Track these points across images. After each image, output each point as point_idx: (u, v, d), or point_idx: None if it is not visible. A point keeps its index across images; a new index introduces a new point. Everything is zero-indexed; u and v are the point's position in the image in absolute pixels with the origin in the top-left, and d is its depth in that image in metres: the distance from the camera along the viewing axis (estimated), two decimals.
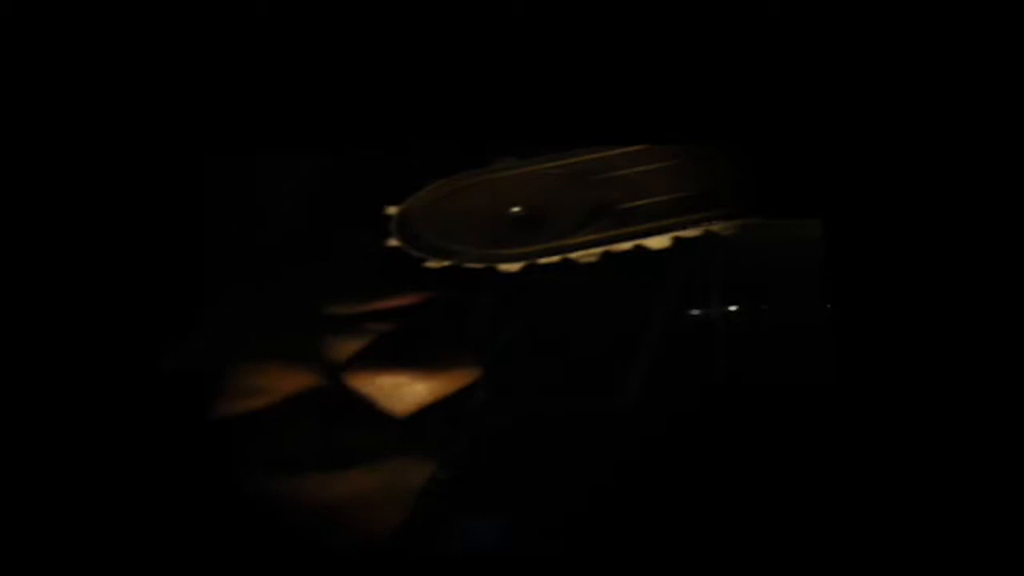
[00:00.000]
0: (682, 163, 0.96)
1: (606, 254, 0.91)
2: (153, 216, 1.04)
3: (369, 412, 0.88)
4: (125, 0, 1.02)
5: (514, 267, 0.90)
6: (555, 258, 0.91)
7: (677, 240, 0.92)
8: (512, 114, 1.04)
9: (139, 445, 0.97)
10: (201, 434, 0.97)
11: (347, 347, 0.90)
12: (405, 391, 0.89)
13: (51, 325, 1.01)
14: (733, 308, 0.97)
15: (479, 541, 0.93)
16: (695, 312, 0.97)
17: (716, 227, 0.93)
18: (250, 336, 0.97)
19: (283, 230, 0.98)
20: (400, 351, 0.91)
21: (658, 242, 0.93)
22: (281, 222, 0.99)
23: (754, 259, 0.94)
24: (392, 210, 0.94)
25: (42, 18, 1.02)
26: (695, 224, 0.93)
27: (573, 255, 0.91)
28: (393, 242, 0.91)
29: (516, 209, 0.93)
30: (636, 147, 0.97)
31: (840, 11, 1.01)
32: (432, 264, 0.91)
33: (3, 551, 0.95)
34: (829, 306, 0.97)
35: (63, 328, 1.01)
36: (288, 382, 0.89)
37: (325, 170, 1.00)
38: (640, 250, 0.91)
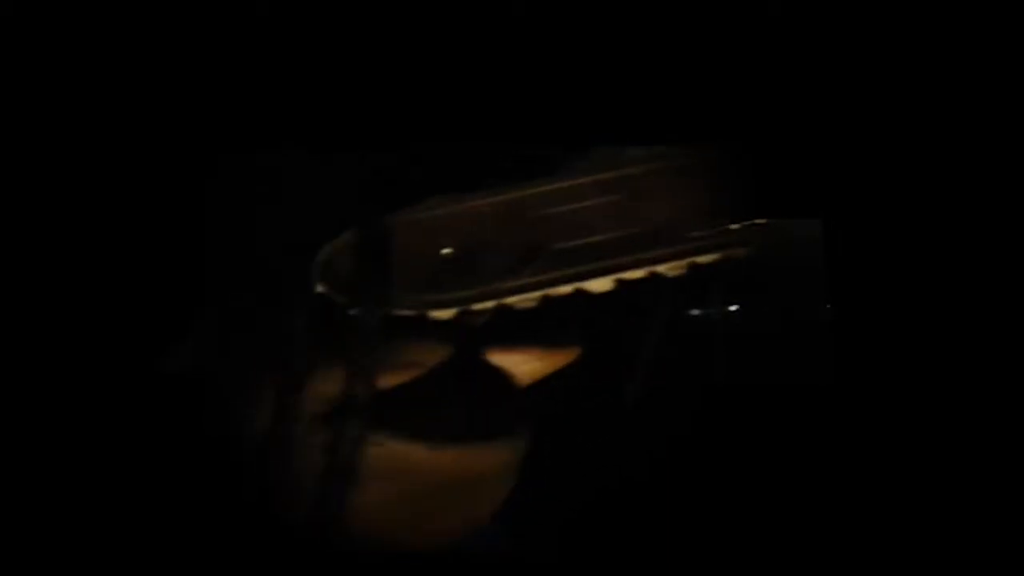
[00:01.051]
0: (627, 198, 0.89)
1: (545, 299, 0.86)
2: (153, 216, 1.04)
3: (502, 384, 0.90)
4: (125, 0, 1.02)
5: (446, 314, 0.86)
6: (490, 304, 0.86)
7: (620, 282, 0.86)
8: (511, 113, 1.04)
9: (139, 446, 0.97)
10: (201, 436, 0.97)
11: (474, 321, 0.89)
12: (524, 368, 0.90)
13: (51, 325, 1.01)
14: (733, 308, 0.97)
15: (479, 542, 0.94)
16: (695, 312, 0.97)
17: (661, 268, 0.87)
18: (250, 337, 0.97)
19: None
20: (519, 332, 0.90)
21: (600, 285, 0.87)
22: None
23: (754, 259, 0.94)
24: (320, 255, 0.90)
25: (42, 18, 1.02)
26: (639, 265, 0.87)
27: (509, 300, 0.86)
28: (319, 288, 0.87)
29: (447, 251, 0.87)
30: (577, 180, 0.90)
31: (840, 11, 1.00)
32: (357, 312, 0.86)
33: (3, 551, 0.95)
34: (829, 306, 0.97)
35: (62, 328, 1.01)
36: (430, 355, 0.89)
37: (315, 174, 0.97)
38: (581, 294, 0.86)
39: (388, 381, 0.90)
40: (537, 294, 0.87)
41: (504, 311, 0.88)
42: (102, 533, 0.95)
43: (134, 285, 1.01)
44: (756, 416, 0.96)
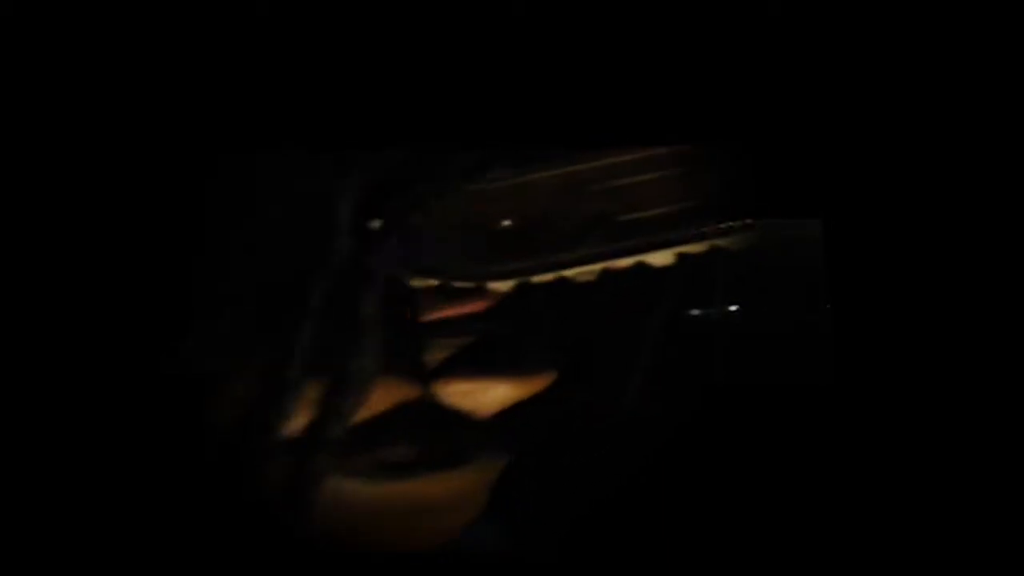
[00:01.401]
0: (684, 171, 0.89)
1: (605, 271, 0.86)
2: (153, 216, 1.04)
3: (458, 416, 0.89)
4: (125, 0, 1.02)
5: (505, 286, 0.85)
6: (549, 276, 0.85)
7: (681, 256, 0.86)
8: (511, 113, 1.04)
9: (138, 448, 0.97)
10: (201, 438, 0.97)
11: (436, 356, 0.89)
12: (488, 394, 0.89)
13: (50, 325, 1.01)
14: (733, 308, 0.97)
15: (480, 543, 0.94)
16: (695, 312, 0.97)
17: (722, 241, 0.86)
18: (251, 336, 0.96)
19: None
20: (478, 360, 0.89)
21: (661, 258, 0.86)
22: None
23: (754, 259, 0.94)
24: (376, 223, 0.89)
25: (42, 18, 1.02)
26: (699, 238, 0.87)
27: (569, 273, 0.85)
28: (372, 259, 0.87)
29: (507, 223, 0.86)
30: (634, 155, 0.89)
31: (840, 11, 1.01)
32: (416, 283, 0.86)
33: (3, 551, 0.95)
34: (829, 306, 0.97)
35: (62, 328, 1.01)
36: (387, 395, 0.89)
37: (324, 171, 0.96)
38: (641, 267, 0.86)
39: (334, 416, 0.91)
40: (598, 267, 0.86)
41: (564, 283, 0.87)
42: (102, 534, 0.95)
43: (134, 285, 1.01)
44: (756, 416, 0.96)
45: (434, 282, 0.88)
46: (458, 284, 0.88)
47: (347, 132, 1.03)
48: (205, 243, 1.02)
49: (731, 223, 0.93)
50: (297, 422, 0.90)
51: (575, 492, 0.98)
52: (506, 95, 1.02)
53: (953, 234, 0.99)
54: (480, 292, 0.90)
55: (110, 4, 1.02)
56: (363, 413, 0.90)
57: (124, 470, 0.97)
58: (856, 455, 0.95)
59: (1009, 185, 0.98)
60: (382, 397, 0.91)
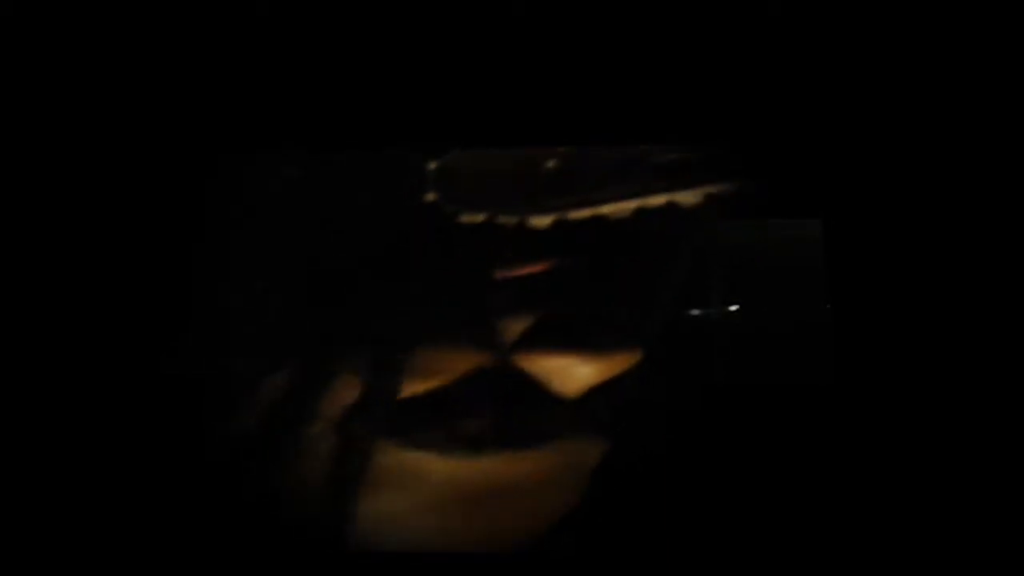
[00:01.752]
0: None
1: (639, 210, 0.92)
2: (154, 216, 1.04)
3: (540, 392, 0.92)
4: (126, 0, 1.02)
5: (545, 221, 0.91)
6: (586, 212, 0.92)
7: (709, 197, 0.93)
8: (511, 113, 1.04)
9: (139, 448, 0.97)
10: (202, 439, 0.97)
11: (514, 326, 0.93)
12: (574, 373, 0.91)
13: (50, 325, 1.01)
14: (733, 308, 0.97)
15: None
16: (695, 312, 0.97)
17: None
18: (252, 336, 0.97)
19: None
20: (564, 331, 0.92)
21: (690, 197, 0.93)
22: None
23: (754, 259, 0.94)
24: (432, 164, 0.94)
25: (42, 18, 1.02)
26: (725, 180, 0.94)
27: (605, 210, 0.91)
28: (430, 196, 0.92)
29: (551, 163, 0.93)
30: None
31: (840, 11, 1.00)
32: (466, 219, 0.92)
33: (3, 551, 0.95)
34: (829, 306, 0.97)
35: (62, 328, 1.01)
36: (461, 362, 0.92)
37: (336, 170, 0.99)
38: (672, 206, 0.92)
39: (413, 388, 0.92)
40: (633, 204, 0.92)
41: (600, 220, 0.93)
42: (102, 531, 0.95)
43: (134, 285, 1.01)
44: (756, 416, 0.96)
45: (481, 217, 0.93)
46: (503, 220, 0.94)
47: (347, 132, 1.03)
48: (205, 242, 1.02)
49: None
50: (344, 398, 0.92)
51: (576, 490, 0.98)
52: (506, 95, 1.02)
53: (952, 234, 0.98)
54: (539, 251, 0.94)
55: (110, 4, 1.01)
56: (432, 382, 0.92)
57: (124, 468, 0.97)
58: (856, 454, 0.95)
59: (1009, 185, 0.98)
60: (454, 364, 0.92)
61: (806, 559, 0.93)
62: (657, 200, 0.94)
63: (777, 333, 0.97)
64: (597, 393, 0.94)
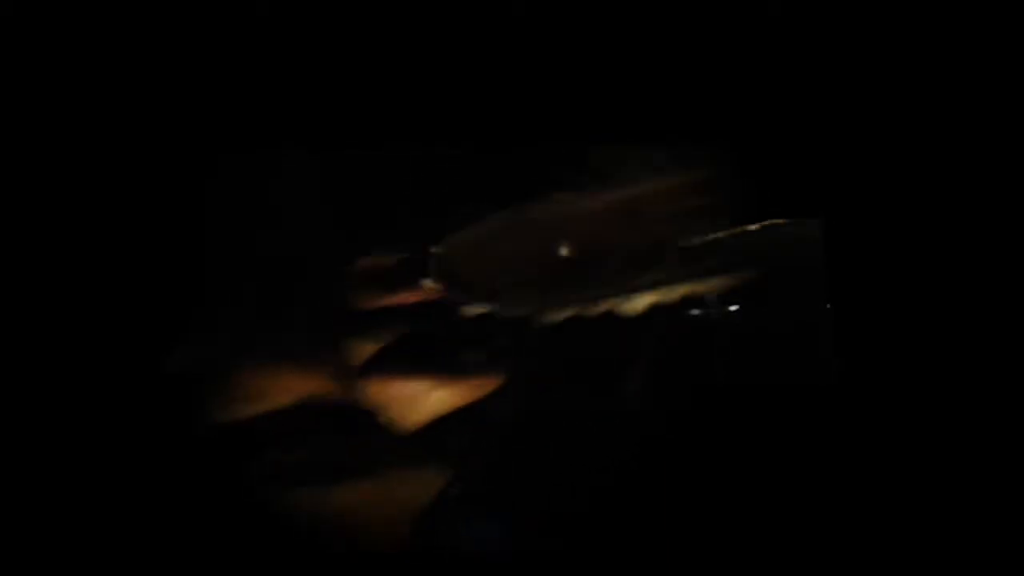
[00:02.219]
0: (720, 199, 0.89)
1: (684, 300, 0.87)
2: (154, 215, 1.04)
3: (371, 423, 0.85)
4: (125, 0, 1.02)
5: (563, 315, 0.85)
6: (605, 306, 0.86)
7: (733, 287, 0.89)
8: (511, 113, 1.04)
9: (139, 449, 0.97)
10: (203, 439, 0.97)
11: (363, 349, 0.85)
12: (421, 400, 0.84)
13: (51, 325, 1.01)
14: (733, 308, 0.97)
15: (482, 541, 0.94)
16: (695, 312, 0.97)
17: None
18: (257, 336, 0.96)
19: (298, 232, 0.93)
20: (418, 355, 0.85)
21: (718, 284, 0.89)
22: (295, 223, 0.95)
23: (754, 259, 0.94)
24: (435, 250, 0.86)
25: (42, 18, 1.02)
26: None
27: (627, 307, 0.86)
28: (430, 284, 0.85)
29: (565, 251, 0.86)
30: (674, 181, 0.89)
31: (840, 11, 1.01)
32: (469, 311, 0.84)
33: (3, 551, 0.95)
34: (829, 306, 0.97)
35: (62, 328, 1.01)
36: (297, 385, 0.85)
37: (336, 169, 0.96)
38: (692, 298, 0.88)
39: (245, 411, 0.89)
40: (678, 292, 0.86)
41: (613, 316, 0.87)
42: (103, 532, 0.95)
43: (133, 285, 1.01)
44: (756, 416, 0.96)
45: (484, 309, 0.85)
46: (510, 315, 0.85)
47: (347, 132, 1.03)
48: (205, 241, 1.03)
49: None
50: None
51: (576, 491, 0.98)
52: (506, 95, 1.02)
53: (952, 234, 0.99)
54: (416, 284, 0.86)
55: (110, 4, 1.02)
56: (266, 405, 0.87)
57: (124, 467, 0.97)
58: (856, 454, 0.95)
59: (1008, 185, 0.98)
60: (289, 388, 0.87)
61: (806, 559, 0.94)
62: (683, 290, 0.88)
63: (777, 333, 0.97)
64: (447, 421, 0.87)
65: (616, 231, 0.87)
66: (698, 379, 0.97)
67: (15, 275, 1.01)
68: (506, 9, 1.01)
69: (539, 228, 0.87)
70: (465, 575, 0.93)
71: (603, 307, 0.85)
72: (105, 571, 0.96)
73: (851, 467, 0.96)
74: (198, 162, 1.04)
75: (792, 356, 0.97)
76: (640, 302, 0.86)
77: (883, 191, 1.00)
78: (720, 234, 0.88)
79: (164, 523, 0.96)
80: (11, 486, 0.98)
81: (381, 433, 0.85)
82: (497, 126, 1.02)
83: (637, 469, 0.96)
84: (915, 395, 0.96)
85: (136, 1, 1.02)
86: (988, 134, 0.99)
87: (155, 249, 1.03)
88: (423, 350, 0.86)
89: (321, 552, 0.89)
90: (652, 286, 0.86)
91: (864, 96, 1.01)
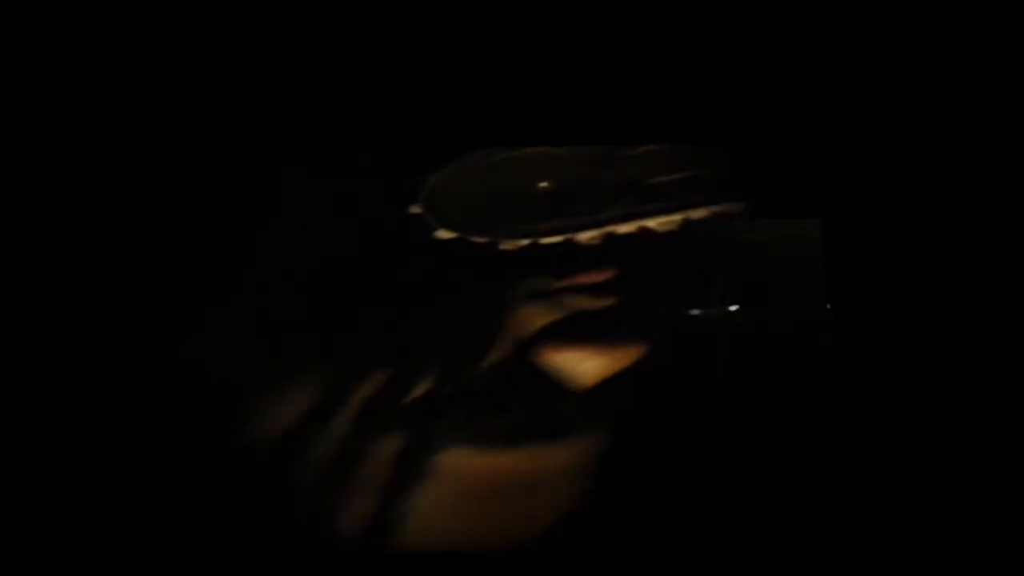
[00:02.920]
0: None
1: (642, 230, 0.94)
2: (153, 215, 1.04)
3: (556, 386, 0.92)
4: (125, 0, 1.02)
5: (553, 241, 0.92)
6: (595, 232, 0.92)
7: (716, 215, 0.93)
8: (512, 113, 1.04)
9: (140, 450, 0.97)
10: (207, 440, 0.97)
11: (535, 321, 0.92)
12: (583, 366, 0.91)
13: (51, 326, 1.01)
14: (733, 308, 0.97)
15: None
16: (695, 312, 0.97)
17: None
18: (256, 337, 0.97)
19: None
20: (582, 327, 0.93)
21: (701, 213, 0.94)
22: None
23: (754, 259, 0.94)
24: (427, 180, 0.94)
25: (42, 18, 1.02)
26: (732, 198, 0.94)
27: (613, 228, 0.93)
28: (415, 209, 0.92)
29: (544, 184, 0.93)
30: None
31: (840, 11, 1.01)
32: (442, 234, 0.91)
33: (3, 551, 0.95)
34: (829, 306, 0.97)
35: (62, 329, 1.01)
36: (478, 359, 0.92)
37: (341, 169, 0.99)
38: (685, 228, 0.92)
39: (432, 386, 0.92)
40: (635, 225, 0.91)
41: (609, 240, 0.92)
42: (104, 532, 0.95)
43: (133, 286, 1.01)
44: (756, 416, 0.96)
45: (485, 239, 0.92)
46: (507, 244, 0.92)
47: (346, 132, 1.03)
48: (205, 241, 1.03)
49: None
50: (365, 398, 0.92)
51: (576, 489, 0.98)
52: (506, 95, 1.02)
53: (952, 234, 0.99)
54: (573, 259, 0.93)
55: (110, 4, 1.02)
56: (458, 381, 0.92)
57: (126, 469, 0.97)
58: (856, 454, 0.95)
59: (1008, 185, 0.98)
60: (471, 362, 0.92)
61: (806, 559, 0.94)
62: (664, 220, 0.94)
63: (777, 333, 0.97)
64: (607, 386, 0.95)
65: (590, 170, 0.95)
66: (698, 379, 0.97)
67: (15, 275, 1.01)
68: (506, 9, 1.01)
69: (522, 164, 0.95)
70: (465, 575, 0.93)
71: (595, 233, 0.93)
72: (107, 572, 0.96)
73: (851, 466, 0.96)
74: (198, 162, 1.04)
75: (792, 356, 0.97)
76: (629, 228, 0.93)
77: (883, 191, 1.00)
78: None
79: (165, 523, 0.96)
80: (11, 487, 0.98)
81: (558, 398, 0.93)
82: (497, 127, 1.02)
83: (637, 469, 0.96)
84: (915, 395, 0.96)
85: (136, 1, 1.02)
86: (988, 134, 0.99)
87: (155, 249, 1.03)
88: (575, 323, 0.93)
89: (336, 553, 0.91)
90: (635, 216, 0.93)
91: (864, 96, 1.01)
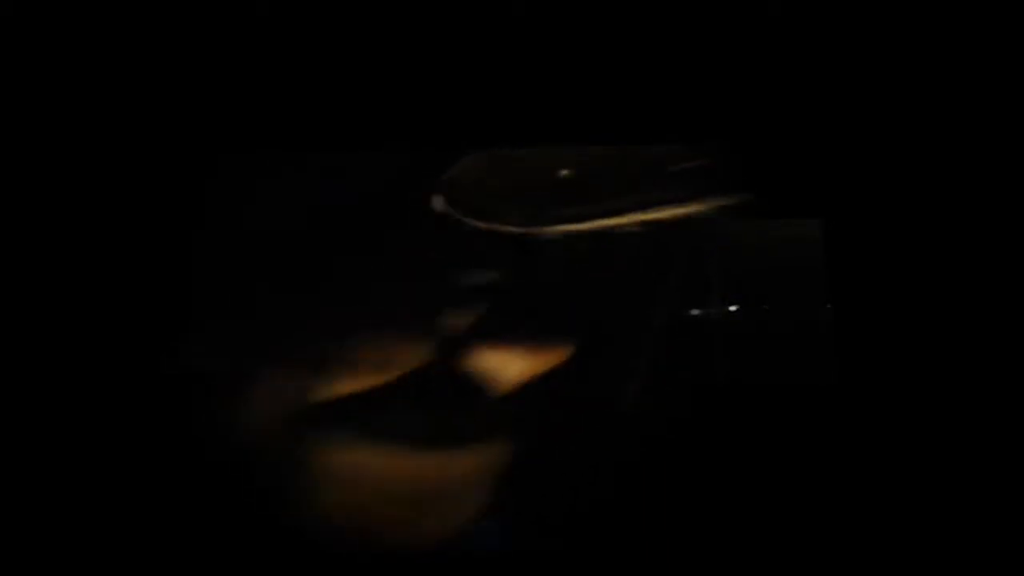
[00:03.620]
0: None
1: (644, 224, 0.96)
2: (151, 216, 1.04)
3: (473, 388, 0.94)
4: (125, 0, 1.02)
5: (563, 230, 0.95)
6: (608, 221, 0.95)
7: (722, 208, 0.96)
8: (511, 113, 1.04)
9: (138, 448, 0.97)
10: (201, 435, 0.97)
11: (462, 321, 0.94)
12: (507, 367, 0.93)
13: (50, 326, 1.00)
14: (733, 308, 0.97)
15: (484, 541, 0.94)
16: (695, 312, 0.97)
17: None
18: (258, 336, 0.97)
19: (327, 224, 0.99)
20: (503, 327, 0.94)
21: (702, 207, 0.95)
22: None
23: (754, 259, 0.94)
24: (445, 175, 0.96)
25: (42, 18, 1.02)
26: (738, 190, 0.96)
27: (615, 222, 0.95)
28: (440, 205, 0.94)
29: (565, 172, 0.96)
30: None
31: (840, 11, 1.00)
32: (479, 224, 0.94)
33: (3, 551, 0.94)
34: (829, 306, 0.97)
35: (62, 328, 1.01)
36: (408, 357, 0.93)
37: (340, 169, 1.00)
38: (686, 221, 0.95)
39: (360, 382, 0.92)
40: (646, 216, 0.94)
41: (612, 232, 0.95)
42: (101, 532, 0.95)
43: (133, 285, 1.00)
44: (756, 416, 0.96)
45: (514, 229, 0.95)
46: (526, 230, 0.95)
47: (346, 132, 1.03)
48: (205, 242, 1.02)
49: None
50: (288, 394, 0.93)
51: (576, 489, 0.98)
52: (506, 95, 1.02)
53: (952, 234, 0.98)
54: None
55: (110, 4, 1.01)
56: (377, 376, 0.92)
57: (124, 468, 0.97)
58: (856, 454, 0.95)
59: (1008, 185, 0.98)
60: (400, 360, 0.93)
61: (806, 559, 0.93)
62: (669, 212, 0.95)
63: (777, 333, 0.97)
64: (526, 390, 0.95)
65: (605, 161, 0.98)
66: (698, 379, 0.97)
67: (16, 276, 1.00)
68: (506, 9, 1.01)
69: (538, 157, 0.98)
70: (464, 575, 0.93)
71: (596, 224, 0.95)
72: (105, 570, 0.96)
73: (850, 466, 0.96)
74: (198, 162, 1.03)
75: (792, 356, 0.97)
76: (635, 220, 0.96)
77: (883, 191, 1.00)
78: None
79: (166, 523, 0.96)
80: (11, 487, 0.97)
81: (475, 403, 0.94)
82: (497, 127, 1.01)
83: (637, 469, 0.96)
84: (914, 395, 0.96)
85: (136, 2, 1.02)
86: (988, 134, 0.99)
87: (155, 250, 1.03)
88: (504, 321, 0.95)
89: (329, 550, 0.91)
90: (645, 206, 0.96)
91: (864, 96, 1.01)
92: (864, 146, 1.00)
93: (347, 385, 0.93)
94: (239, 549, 0.94)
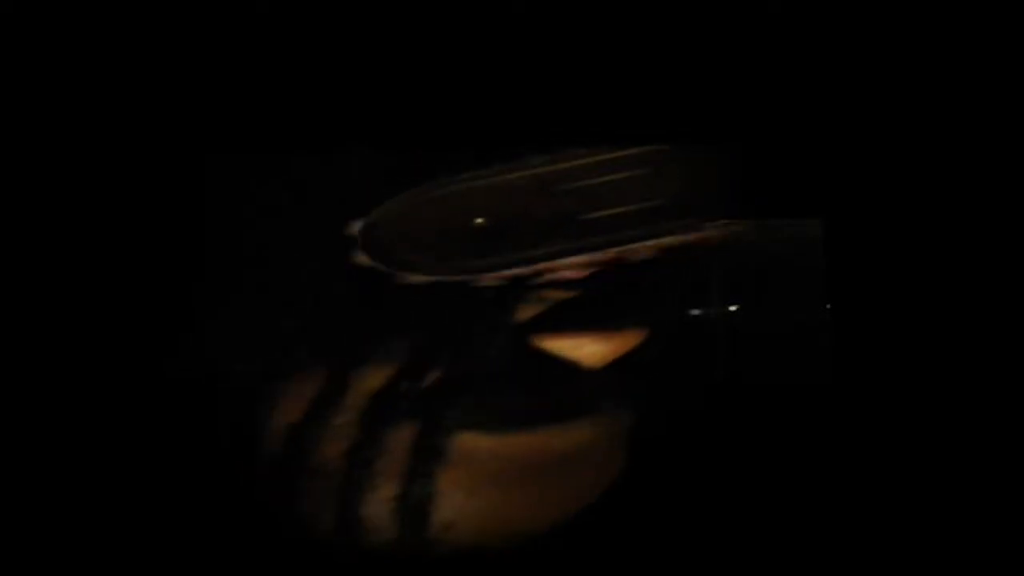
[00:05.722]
0: (653, 171, 0.92)
1: (590, 267, 0.91)
2: (154, 216, 1.04)
3: (564, 366, 0.91)
4: (125, 0, 1.02)
5: (492, 279, 0.90)
6: (528, 270, 0.90)
7: (662, 250, 0.91)
8: (511, 113, 1.04)
9: (146, 453, 0.97)
10: (211, 441, 0.97)
11: (524, 312, 0.92)
12: (587, 350, 0.91)
13: (54, 329, 1.01)
14: (733, 308, 0.97)
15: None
16: (695, 312, 0.97)
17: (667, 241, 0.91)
18: (259, 338, 0.97)
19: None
20: (571, 316, 0.92)
21: (641, 252, 0.92)
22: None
23: (754, 259, 0.94)
24: (355, 226, 0.91)
25: (42, 18, 1.02)
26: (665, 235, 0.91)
27: (553, 265, 0.90)
28: (360, 258, 0.89)
29: (479, 221, 0.90)
30: (601, 156, 0.93)
31: (840, 11, 1.01)
32: (410, 279, 0.89)
33: (4, 552, 0.95)
34: (829, 306, 0.97)
35: (62, 331, 1.01)
36: (483, 347, 0.92)
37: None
38: (622, 262, 0.90)
39: (447, 369, 0.92)
40: (580, 259, 0.89)
41: (552, 282, 0.90)
42: (109, 538, 0.96)
43: (137, 287, 1.01)
44: (756, 416, 0.96)
45: (421, 277, 0.90)
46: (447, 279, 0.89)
47: (346, 132, 1.03)
48: (207, 241, 1.02)
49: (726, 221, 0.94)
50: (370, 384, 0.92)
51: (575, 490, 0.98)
52: (506, 95, 1.02)
53: (953, 234, 0.99)
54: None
55: (110, 4, 1.02)
56: (464, 365, 0.91)
57: (130, 475, 0.97)
58: (856, 455, 0.95)
59: (1009, 185, 0.98)
60: (479, 349, 0.92)
61: (806, 559, 0.94)
62: (605, 256, 0.90)
63: (777, 333, 0.97)
64: (615, 367, 0.94)
65: (528, 203, 0.91)
66: (697, 379, 0.98)
67: (15, 276, 1.01)
68: (506, 9, 1.01)
69: (457, 199, 0.92)
70: (464, 575, 0.94)
71: (529, 270, 0.90)
72: (112, 571, 0.96)
73: (850, 466, 0.96)
74: (198, 162, 1.04)
75: (792, 356, 0.97)
76: (572, 263, 0.91)
77: (883, 191, 1.00)
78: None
79: (176, 524, 0.96)
80: (11, 488, 0.98)
81: (568, 377, 0.92)
82: (496, 127, 1.02)
83: (637, 469, 0.97)
84: (914, 395, 0.96)
85: (135, 1, 1.02)
86: (988, 134, 0.99)
87: (155, 250, 1.03)
88: (571, 312, 0.92)
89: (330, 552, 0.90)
90: (575, 251, 0.91)
91: (864, 96, 1.01)
92: (864, 146, 1.00)
93: (396, 377, 0.92)
94: (251, 554, 0.94)
